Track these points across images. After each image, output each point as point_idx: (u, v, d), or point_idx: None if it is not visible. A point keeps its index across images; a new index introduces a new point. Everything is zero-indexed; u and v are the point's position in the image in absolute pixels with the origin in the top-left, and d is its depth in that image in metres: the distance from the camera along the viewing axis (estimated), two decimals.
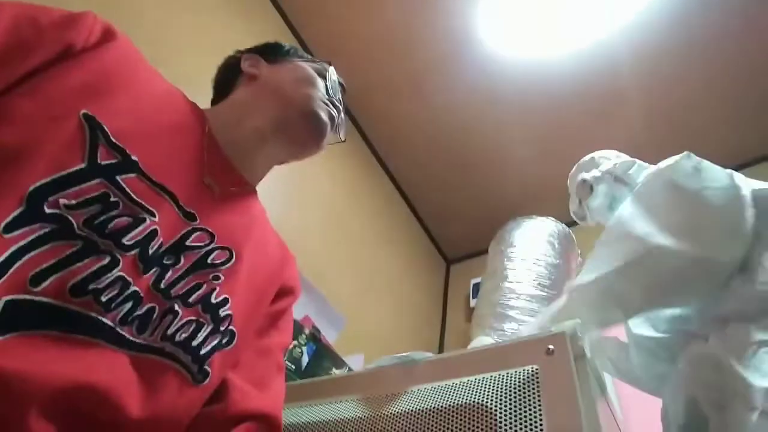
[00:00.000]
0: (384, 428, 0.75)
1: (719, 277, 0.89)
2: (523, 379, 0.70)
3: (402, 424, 0.74)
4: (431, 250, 2.89)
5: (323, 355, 1.16)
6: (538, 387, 0.68)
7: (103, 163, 0.49)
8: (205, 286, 0.57)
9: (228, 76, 0.80)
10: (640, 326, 1.08)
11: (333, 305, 1.58)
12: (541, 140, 2.32)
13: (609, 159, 1.28)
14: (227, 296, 0.60)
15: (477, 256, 2.82)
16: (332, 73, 0.81)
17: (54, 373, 0.41)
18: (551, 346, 0.73)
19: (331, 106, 0.76)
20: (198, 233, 0.58)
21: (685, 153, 0.99)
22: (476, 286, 2.50)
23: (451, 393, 0.75)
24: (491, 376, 0.74)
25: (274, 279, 0.72)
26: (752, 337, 0.82)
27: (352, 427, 0.78)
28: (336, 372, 1.16)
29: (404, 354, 0.86)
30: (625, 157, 1.28)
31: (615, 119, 2.19)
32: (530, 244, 2.03)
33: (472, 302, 2.46)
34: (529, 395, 0.68)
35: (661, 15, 1.86)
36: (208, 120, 0.67)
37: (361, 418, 0.79)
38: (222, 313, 0.59)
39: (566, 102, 2.17)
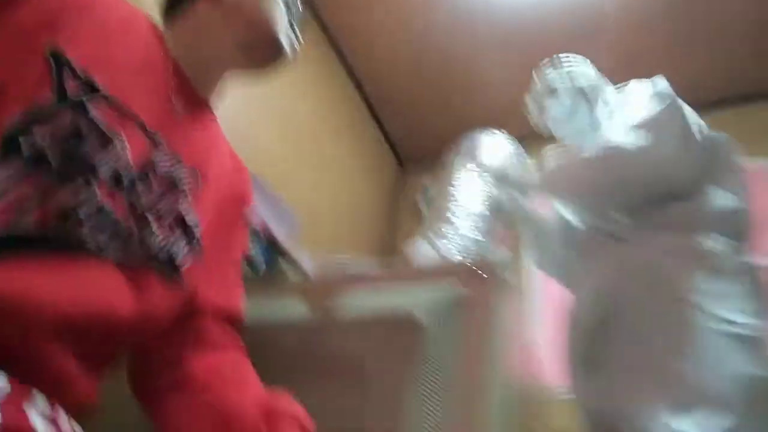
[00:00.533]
0: (325, 331, 0.86)
1: (666, 189, 1.04)
2: (453, 300, 0.82)
3: (341, 328, 0.86)
4: (386, 149, 2.94)
5: (273, 253, 1.25)
6: (464, 309, 0.80)
7: (72, 93, 0.50)
8: (177, 206, 0.61)
9: None
10: (569, 214, 1.25)
11: (285, 203, 1.63)
12: (519, 63, 2.31)
13: (585, 75, 1.33)
14: (197, 216, 0.64)
15: (434, 160, 2.91)
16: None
17: (50, 291, 0.45)
18: (482, 273, 0.84)
19: (292, 33, 0.77)
20: (166, 156, 0.61)
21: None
22: (427, 191, 2.62)
23: (389, 304, 0.86)
24: (425, 293, 0.85)
25: (233, 192, 0.77)
26: (682, 244, 0.99)
27: (294, 327, 0.89)
28: (285, 269, 1.26)
29: (347, 258, 0.96)
30: (599, 80, 1.33)
31: (596, 41, 2.19)
32: (488, 160, 2.12)
33: (422, 205, 2.59)
34: (456, 315, 0.80)
35: None
36: (170, 41, 0.67)
37: (302, 320, 0.90)
38: (194, 231, 0.64)
39: (546, 25, 2.14)
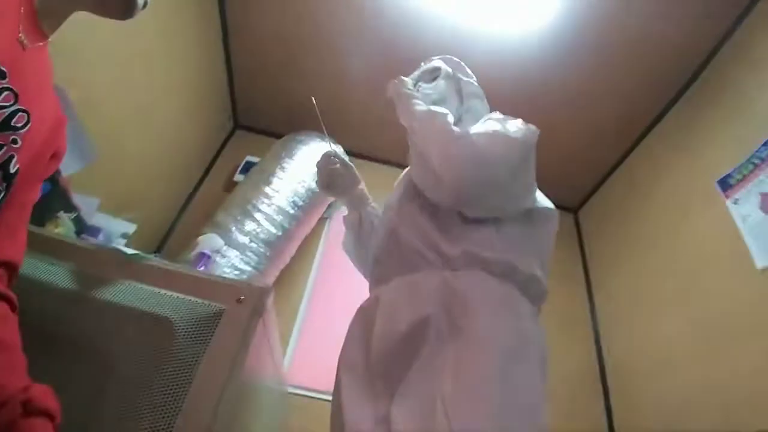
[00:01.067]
0: (86, 308, 0.90)
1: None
2: (211, 313, 0.95)
3: (103, 311, 0.91)
4: (225, 106, 2.86)
5: (55, 195, 1.18)
6: (217, 325, 0.93)
7: None
8: (5, 149, 0.60)
9: None
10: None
11: (92, 136, 1.51)
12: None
13: (470, 78, 1.30)
14: (19, 164, 0.63)
15: (266, 135, 2.95)
16: None
17: None
18: (243, 297, 0.98)
19: None
20: (6, 92, 0.60)
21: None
22: (248, 164, 2.66)
23: (153, 300, 0.94)
24: (189, 300, 0.96)
25: (50, 143, 0.75)
26: None
27: (60, 294, 0.91)
28: (63, 215, 1.20)
29: (130, 250, 1.00)
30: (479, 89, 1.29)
31: None
32: (305, 163, 2.28)
33: (238, 176, 2.62)
34: (208, 329, 0.93)
35: None
36: None
37: (69, 289, 0.92)
38: (14, 179, 0.63)
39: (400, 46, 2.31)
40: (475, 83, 1.30)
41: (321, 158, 1.24)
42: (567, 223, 2.95)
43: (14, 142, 0.62)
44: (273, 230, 2.01)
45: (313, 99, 1.23)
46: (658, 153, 2.33)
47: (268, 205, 2.05)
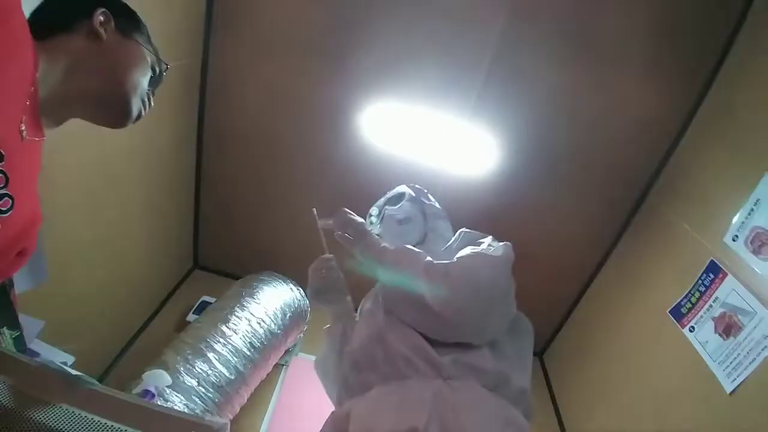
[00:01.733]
0: (25, 405, 0.77)
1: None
2: None
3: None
4: (188, 244, 2.85)
5: (2, 309, 1.08)
6: None
7: None
8: None
9: (71, 12, 0.75)
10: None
11: (47, 253, 1.45)
12: None
13: (432, 202, 1.37)
14: None
15: (226, 277, 2.90)
16: (164, 75, 0.88)
17: None
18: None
19: (147, 102, 0.84)
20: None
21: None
22: (203, 304, 2.55)
23: (94, 430, 0.82)
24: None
25: (22, 238, 0.73)
26: None
27: None
28: (5, 332, 1.09)
29: (73, 372, 0.90)
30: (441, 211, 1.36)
31: None
32: (265, 303, 2.21)
33: (191, 317, 2.49)
34: None
35: None
36: (41, 62, 0.67)
37: (7, 406, 0.80)
38: None
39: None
40: (438, 206, 1.38)
41: (317, 262, 1.21)
42: (533, 368, 2.91)
43: None
44: (226, 373, 1.84)
45: (314, 210, 1.26)
46: (611, 287, 2.46)
47: (224, 345, 1.92)
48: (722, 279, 1.69)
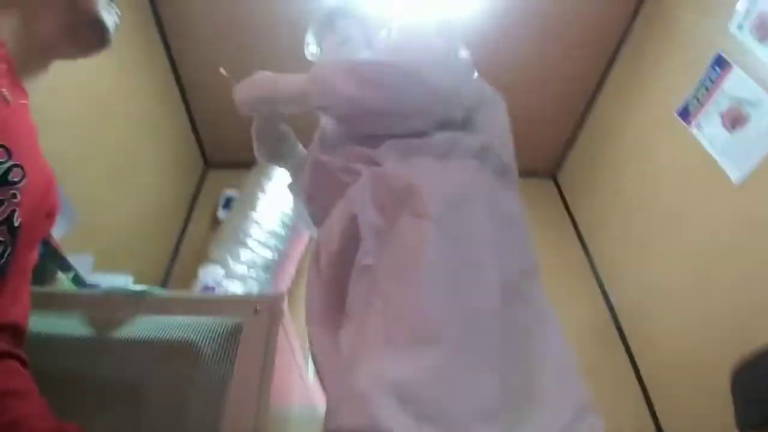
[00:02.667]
0: (106, 351, 0.92)
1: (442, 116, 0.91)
2: (230, 329, 0.98)
3: (123, 350, 0.93)
4: (193, 148, 2.88)
5: (50, 257, 1.19)
6: (239, 338, 0.96)
7: None
8: (5, 204, 0.61)
9: None
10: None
11: (67, 194, 1.52)
12: None
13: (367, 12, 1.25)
14: (21, 219, 0.65)
15: (238, 168, 2.97)
16: None
17: None
18: (258, 307, 1.01)
19: (113, 9, 0.81)
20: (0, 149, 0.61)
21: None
22: (228, 199, 2.68)
23: (171, 328, 0.96)
24: (207, 321, 0.98)
25: (45, 201, 0.76)
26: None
27: (72, 344, 0.92)
28: (61, 276, 1.21)
29: (137, 286, 1.02)
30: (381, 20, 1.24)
31: None
32: (285, 181, 2.30)
33: (221, 213, 2.63)
34: (231, 344, 0.95)
35: None
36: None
37: (85, 337, 0.94)
38: (18, 234, 0.64)
39: None
40: (371, 14, 1.24)
41: (257, 123, 1.10)
42: (548, 189, 3.03)
43: (14, 196, 0.64)
44: (269, 255, 2.03)
45: (222, 70, 1.17)
46: (617, 97, 2.42)
47: (259, 231, 2.08)
48: (728, 71, 1.64)
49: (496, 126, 1.00)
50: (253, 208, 2.18)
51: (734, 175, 1.62)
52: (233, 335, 0.97)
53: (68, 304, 1.00)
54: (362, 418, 0.56)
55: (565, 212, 2.87)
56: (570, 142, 2.86)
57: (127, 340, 0.95)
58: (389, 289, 0.69)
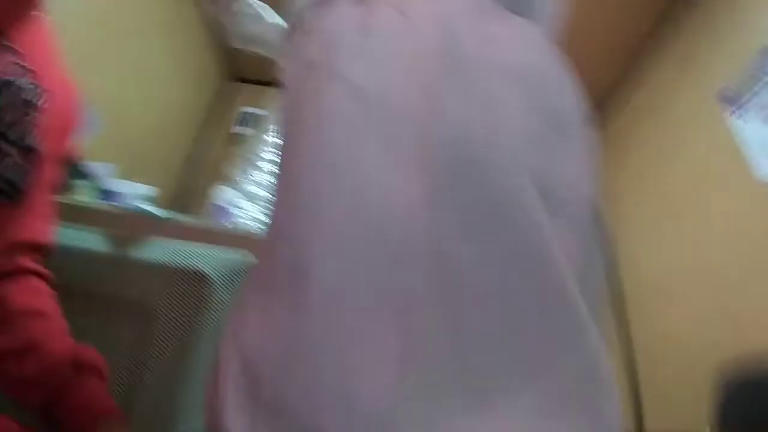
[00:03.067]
0: (121, 268, 0.97)
1: None
2: (246, 264, 1.02)
3: (137, 270, 0.98)
4: (213, 60, 2.81)
5: (71, 165, 1.21)
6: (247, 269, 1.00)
7: None
8: (19, 125, 0.62)
9: None
10: None
11: (93, 106, 1.52)
12: None
13: None
14: (39, 135, 0.66)
15: (259, 84, 2.91)
16: None
17: None
18: None
19: None
20: (18, 68, 0.62)
21: None
22: (246, 115, 2.65)
23: (185, 255, 1.00)
24: (224, 253, 1.02)
25: (65, 116, 0.76)
26: None
27: (89, 257, 0.97)
28: (79, 184, 1.25)
29: (159, 210, 1.06)
30: None
31: None
32: None
33: (237, 128, 2.62)
34: (240, 274, 1.00)
35: None
36: None
37: (104, 252, 0.99)
38: (38, 155, 0.65)
39: None
40: None
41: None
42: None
43: (29, 116, 0.64)
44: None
45: None
46: (666, 64, 2.31)
47: (271, 152, 2.11)
48: None
49: None
50: (266, 131, 2.18)
51: (763, 170, 1.58)
52: (245, 269, 1.01)
53: (90, 218, 1.03)
54: (208, 409, 0.40)
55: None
56: (611, 91, 2.74)
57: (145, 260, 0.98)
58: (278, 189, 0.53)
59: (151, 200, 1.65)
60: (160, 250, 1.00)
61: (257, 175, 2.04)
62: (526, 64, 0.55)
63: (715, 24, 1.94)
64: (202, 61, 2.67)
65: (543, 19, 0.69)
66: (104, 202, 1.35)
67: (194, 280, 0.98)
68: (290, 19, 0.79)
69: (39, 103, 0.65)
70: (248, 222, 1.87)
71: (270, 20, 0.98)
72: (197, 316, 0.95)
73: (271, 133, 2.16)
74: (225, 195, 1.82)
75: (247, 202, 1.93)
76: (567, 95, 0.59)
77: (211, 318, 0.96)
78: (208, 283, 0.97)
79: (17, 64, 0.62)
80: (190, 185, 2.49)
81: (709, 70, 1.93)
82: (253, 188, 2.00)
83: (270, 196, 1.96)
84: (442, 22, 0.53)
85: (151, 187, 1.73)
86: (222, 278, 0.99)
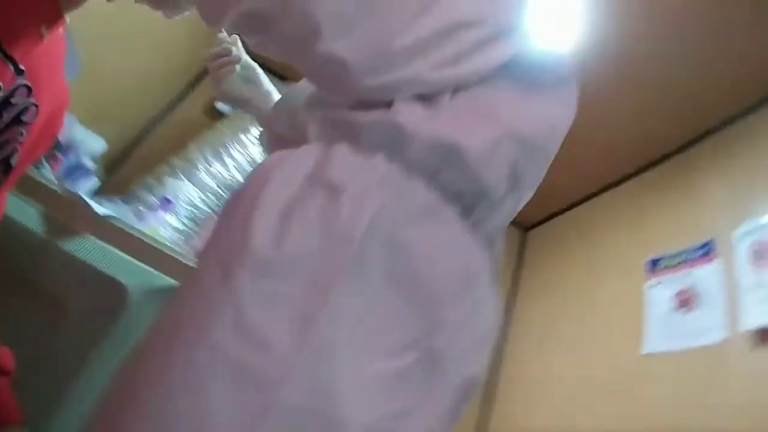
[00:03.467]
0: (51, 231, 0.97)
1: None
2: (165, 288, 1.05)
3: (61, 259, 0.98)
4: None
5: None
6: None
7: None
8: (11, 144, 0.64)
9: None
10: None
11: (77, 49, 1.49)
12: None
13: None
14: (21, 154, 0.68)
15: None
16: None
17: None
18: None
19: None
20: (22, 88, 0.63)
21: None
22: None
23: (110, 261, 1.02)
24: (147, 270, 1.04)
25: (51, 126, 0.78)
26: None
27: (26, 237, 0.98)
28: None
29: (101, 209, 1.06)
30: None
31: None
32: None
33: (220, 104, 2.58)
34: (160, 297, 1.02)
35: None
36: None
37: (34, 232, 0.99)
38: (12, 171, 0.68)
39: None
40: None
41: (210, 55, 0.94)
42: (515, 238, 3.12)
43: (21, 135, 0.67)
44: (241, 180, 2.05)
45: None
46: (611, 209, 2.52)
47: (242, 154, 2.09)
48: (709, 261, 1.74)
49: None
50: (245, 131, 2.16)
51: (647, 345, 1.77)
52: (165, 295, 1.04)
53: (31, 190, 1.02)
54: None
55: (516, 267, 2.99)
56: (557, 213, 2.95)
57: (67, 254, 0.99)
58: None
59: (96, 160, 1.63)
60: (86, 248, 1.02)
61: (216, 167, 2.01)
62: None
63: (674, 195, 2.13)
64: (200, 31, 2.60)
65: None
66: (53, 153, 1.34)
67: (112, 288, 1.00)
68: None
69: (31, 121, 0.68)
70: (183, 206, 1.84)
71: (263, 87, 0.97)
72: (107, 324, 0.97)
73: (245, 137, 2.12)
74: (177, 190, 1.81)
75: (195, 190, 1.91)
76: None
77: (120, 331, 0.98)
78: (123, 296, 1.00)
79: (17, 79, 0.63)
80: (154, 142, 2.42)
81: (649, 233, 2.13)
82: (207, 179, 1.98)
83: (220, 192, 1.90)
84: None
85: (103, 142, 1.71)
86: (140, 294, 1.01)
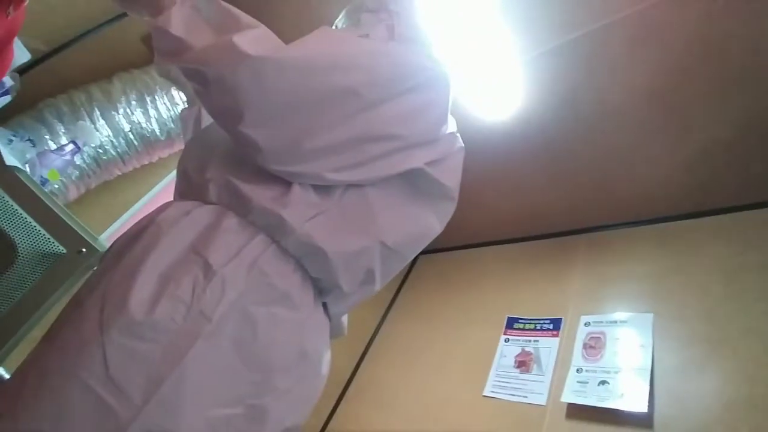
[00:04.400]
0: None
1: None
2: (51, 252, 1.02)
3: None
4: None
5: None
6: (51, 266, 1.01)
7: None
8: None
9: None
10: None
11: None
12: None
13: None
14: None
15: None
16: None
17: None
18: (84, 250, 1.07)
19: None
20: None
21: None
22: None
23: (7, 216, 0.98)
24: (40, 231, 1.02)
25: None
26: None
27: None
28: None
29: (12, 161, 1.00)
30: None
31: None
32: None
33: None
34: (42, 266, 1.00)
35: None
36: None
37: None
38: None
39: None
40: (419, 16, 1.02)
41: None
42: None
43: None
44: (157, 132, 1.97)
45: None
46: (494, 261, 2.79)
47: (168, 108, 2.00)
48: (554, 335, 2.03)
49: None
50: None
51: (488, 388, 2.03)
52: (50, 259, 1.02)
53: None
54: None
55: (400, 284, 3.18)
56: (449, 248, 3.18)
57: None
58: None
59: (14, 77, 1.48)
60: None
61: (137, 115, 1.90)
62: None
63: (558, 263, 2.41)
64: None
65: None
66: None
67: (2, 244, 0.96)
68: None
69: None
70: (91, 146, 1.74)
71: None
72: None
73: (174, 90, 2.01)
74: (87, 135, 1.69)
75: (107, 130, 1.79)
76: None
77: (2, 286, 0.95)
78: (12, 253, 0.96)
79: None
80: (77, 55, 2.18)
81: (520, 294, 2.40)
82: (124, 124, 1.86)
83: (133, 141, 1.82)
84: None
85: (27, 54, 1.54)
86: (27, 257, 0.98)
